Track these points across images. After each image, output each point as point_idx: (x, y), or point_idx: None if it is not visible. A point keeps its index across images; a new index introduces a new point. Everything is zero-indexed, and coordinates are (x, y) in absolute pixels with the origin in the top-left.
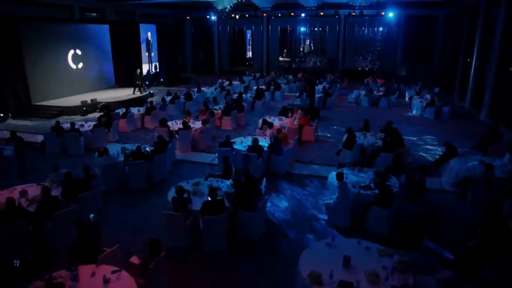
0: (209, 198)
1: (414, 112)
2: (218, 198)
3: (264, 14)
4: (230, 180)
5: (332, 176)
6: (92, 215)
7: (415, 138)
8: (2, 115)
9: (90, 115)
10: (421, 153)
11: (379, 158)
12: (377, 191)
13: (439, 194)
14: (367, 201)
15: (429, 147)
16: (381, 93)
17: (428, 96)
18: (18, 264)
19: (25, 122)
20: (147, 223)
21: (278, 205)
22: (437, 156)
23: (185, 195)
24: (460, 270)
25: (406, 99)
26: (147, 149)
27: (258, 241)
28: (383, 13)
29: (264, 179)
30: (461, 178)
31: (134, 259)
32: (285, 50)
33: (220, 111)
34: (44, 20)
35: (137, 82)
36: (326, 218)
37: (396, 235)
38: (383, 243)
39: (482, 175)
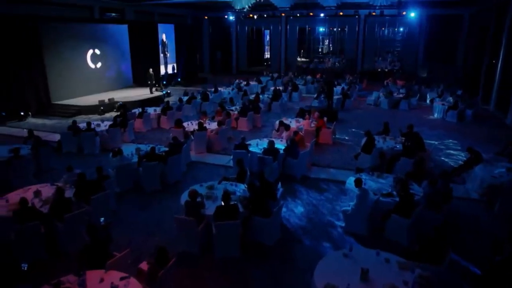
0: (223, 203)
1: (435, 115)
2: (232, 203)
3: (283, 14)
4: (245, 184)
5: (350, 181)
6: (102, 218)
7: (436, 142)
8: (22, 113)
9: (107, 115)
10: (443, 158)
11: (399, 163)
12: (397, 199)
13: (464, 202)
14: (387, 209)
15: (451, 152)
16: (401, 95)
17: (451, 99)
18: (26, 267)
19: (44, 120)
20: (159, 225)
21: (294, 210)
22: (460, 162)
23: (199, 199)
24: (487, 287)
25: (427, 101)
26: (162, 150)
27: (272, 248)
28: (404, 13)
29: (280, 184)
30: (487, 186)
31: (144, 266)
32: (302, 51)
33: (236, 112)
34: (64, 20)
35: (150, 82)
36: (343, 225)
37: (417, 246)
38: (403, 254)
39: (510, 183)
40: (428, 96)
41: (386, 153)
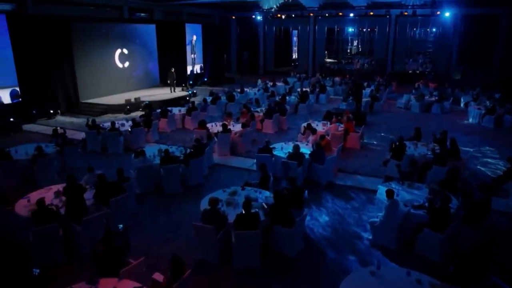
0: (243, 211)
1: (470, 120)
2: (253, 210)
3: (311, 14)
4: (269, 190)
5: (381, 191)
6: (120, 225)
7: (472, 150)
8: (52, 111)
9: (133, 114)
10: (479, 167)
11: (431, 172)
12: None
13: (505, 218)
14: (418, 222)
15: (488, 160)
16: (433, 98)
17: (487, 103)
18: (37, 273)
19: (72, 119)
20: (178, 231)
21: (318, 219)
22: (499, 172)
23: (219, 206)
24: None
25: (462, 105)
26: (184, 151)
27: (294, 259)
28: (438, 13)
29: (306, 192)
30: None
31: (158, 276)
32: (325, 52)
33: (261, 114)
34: (94, 20)
35: (170, 82)
36: (370, 237)
37: (451, 266)
38: (436, 273)
39: None
40: (462, 100)
41: (417, 161)
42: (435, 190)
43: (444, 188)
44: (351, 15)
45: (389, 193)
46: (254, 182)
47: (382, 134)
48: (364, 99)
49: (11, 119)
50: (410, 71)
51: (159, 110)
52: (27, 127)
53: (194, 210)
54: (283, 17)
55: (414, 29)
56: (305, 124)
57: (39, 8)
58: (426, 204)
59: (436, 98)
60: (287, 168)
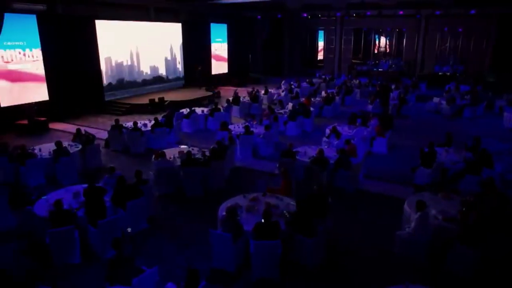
0: (263, 220)
1: (506, 125)
2: (274, 219)
3: (338, 14)
4: (292, 196)
5: (411, 201)
6: (129, 228)
7: (507, 158)
8: (78, 110)
9: (157, 114)
10: None
11: (463, 181)
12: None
13: None
14: (450, 236)
15: None
16: (465, 102)
17: None
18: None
19: (96, 118)
20: (195, 236)
21: (342, 228)
22: None
23: (238, 213)
24: None
25: (496, 109)
26: (205, 154)
27: (315, 271)
28: (472, 12)
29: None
30: None
31: (171, 286)
32: (357, 52)
33: (285, 115)
34: (121, 19)
35: (198, 76)
36: (397, 250)
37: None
38: None
39: None
40: (496, 104)
41: (448, 169)
42: (468, 202)
43: (480, 201)
44: (379, 15)
45: (420, 205)
46: (276, 188)
47: (410, 139)
48: (391, 102)
49: (39, 118)
50: (440, 73)
51: (182, 111)
52: (53, 125)
53: (213, 216)
54: (309, 17)
55: (445, 29)
56: (330, 127)
57: (68, 8)
58: (458, 217)
59: (468, 101)
60: (310, 173)
